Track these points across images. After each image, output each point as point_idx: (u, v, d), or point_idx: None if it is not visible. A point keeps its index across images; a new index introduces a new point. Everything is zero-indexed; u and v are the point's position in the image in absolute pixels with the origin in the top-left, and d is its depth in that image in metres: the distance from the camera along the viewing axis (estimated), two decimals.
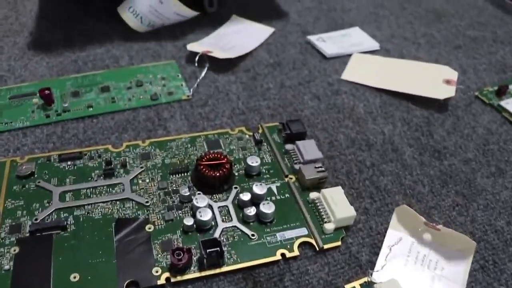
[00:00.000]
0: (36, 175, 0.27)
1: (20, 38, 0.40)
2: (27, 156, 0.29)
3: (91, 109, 0.33)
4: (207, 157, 0.27)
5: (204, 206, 0.25)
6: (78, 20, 0.42)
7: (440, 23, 0.48)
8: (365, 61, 0.40)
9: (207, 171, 0.26)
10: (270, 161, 0.29)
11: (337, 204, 0.25)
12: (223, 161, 0.27)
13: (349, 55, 0.41)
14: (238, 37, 0.41)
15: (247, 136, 0.31)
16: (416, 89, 0.36)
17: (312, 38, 0.42)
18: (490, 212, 0.28)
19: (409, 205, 0.27)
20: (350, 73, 0.38)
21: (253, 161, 0.28)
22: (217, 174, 0.26)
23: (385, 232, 0.26)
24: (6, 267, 0.23)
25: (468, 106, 0.37)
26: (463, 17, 0.49)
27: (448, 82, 0.37)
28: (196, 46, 0.38)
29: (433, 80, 0.37)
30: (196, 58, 0.37)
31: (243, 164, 0.29)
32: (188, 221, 0.24)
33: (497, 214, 0.28)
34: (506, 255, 0.26)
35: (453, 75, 0.38)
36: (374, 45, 0.43)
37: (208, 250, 0.22)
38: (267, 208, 0.25)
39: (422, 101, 0.36)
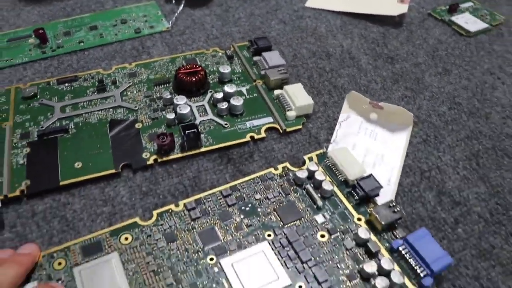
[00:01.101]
0: (38, 96, 0.32)
1: None
2: (29, 83, 0.33)
3: (82, 44, 0.37)
4: (185, 68, 0.31)
5: (184, 103, 0.29)
6: None
7: None
8: None
9: (184, 77, 0.30)
10: (240, 71, 0.33)
11: (297, 97, 0.30)
12: (198, 69, 0.31)
13: None
14: None
15: (220, 53, 0.35)
16: (373, 9, 0.40)
17: None
18: (435, 101, 0.33)
19: (363, 94, 0.32)
20: (314, 1, 0.42)
21: (224, 69, 0.32)
22: (193, 79, 0.30)
23: (335, 119, 0.31)
24: (21, 161, 0.27)
25: (422, 22, 0.41)
26: None
27: (402, 1, 0.41)
28: None
29: (388, 0, 0.41)
30: None
31: (216, 75, 0.33)
32: (170, 116, 0.29)
33: (440, 102, 0.33)
34: (446, 131, 0.30)
35: None
36: None
37: (186, 132, 0.27)
38: (237, 101, 0.29)
39: (379, 19, 0.40)
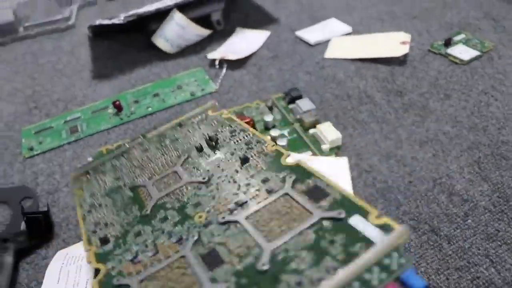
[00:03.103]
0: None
1: (84, 74, 0.54)
2: (115, 144, 0.42)
3: (150, 109, 0.46)
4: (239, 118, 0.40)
5: None
6: (123, 53, 0.57)
7: (400, 2, 0.60)
8: (341, 42, 0.53)
9: None
10: (280, 117, 0.42)
11: (328, 133, 0.38)
12: (248, 120, 0.40)
13: (329, 40, 0.53)
14: (244, 42, 0.54)
15: (262, 105, 0.44)
16: (380, 53, 0.49)
17: (299, 32, 0.55)
18: (439, 122, 0.40)
19: (382, 128, 0.40)
20: (331, 52, 0.51)
21: (268, 117, 0.41)
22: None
23: (359, 147, 0.38)
24: None
25: (423, 58, 0.49)
26: None
27: (403, 43, 0.49)
28: (214, 54, 0.52)
29: (392, 44, 0.50)
30: (217, 62, 0.50)
31: (262, 123, 0.42)
32: None
33: (444, 123, 0.40)
34: (451, 145, 0.38)
35: (407, 37, 0.50)
36: (348, 29, 0.55)
37: None
38: (281, 141, 0.38)
39: (386, 61, 0.48)
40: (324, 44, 0.53)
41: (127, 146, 0.36)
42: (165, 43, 0.54)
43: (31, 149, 0.43)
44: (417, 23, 0.55)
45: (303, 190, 0.25)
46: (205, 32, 0.55)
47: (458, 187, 0.34)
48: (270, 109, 0.43)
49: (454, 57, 0.48)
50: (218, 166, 0.30)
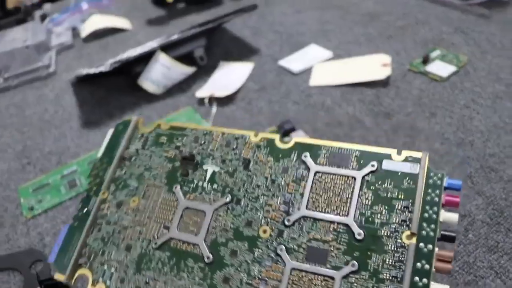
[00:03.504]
0: None
1: (73, 123, 0.54)
2: None
3: None
4: None
5: None
6: (109, 98, 0.57)
7: (374, 22, 0.63)
8: (323, 68, 0.55)
9: None
10: None
11: None
12: None
13: (311, 67, 0.55)
14: (229, 76, 0.56)
15: None
16: (363, 77, 0.50)
17: (282, 62, 0.57)
18: (429, 141, 0.42)
19: None
20: (315, 80, 0.53)
21: None
22: None
23: None
24: None
25: (404, 77, 0.51)
26: (392, 13, 0.64)
27: (384, 65, 0.51)
28: (202, 92, 0.53)
29: (373, 66, 0.52)
30: (206, 100, 0.51)
31: None
32: None
33: (433, 141, 0.42)
34: (442, 163, 0.40)
35: (387, 59, 0.52)
36: (328, 54, 0.57)
37: None
38: None
39: (370, 84, 0.50)
40: (307, 71, 0.55)
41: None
42: (152, 85, 0.54)
43: (32, 208, 0.42)
44: (393, 43, 0.57)
45: (326, 163, 0.26)
46: (190, 70, 0.56)
47: None
48: None
49: (434, 74, 0.50)
50: (224, 180, 0.28)
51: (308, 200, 0.25)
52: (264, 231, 0.25)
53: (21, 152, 0.51)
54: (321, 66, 0.55)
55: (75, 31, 0.75)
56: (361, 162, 0.26)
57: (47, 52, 0.68)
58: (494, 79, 0.48)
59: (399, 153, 0.25)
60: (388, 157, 0.25)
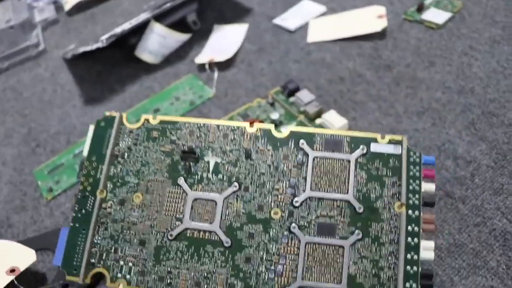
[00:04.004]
0: None
1: (75, 101, 0.54)
2: None
3: None
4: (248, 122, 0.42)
5: None
6: (108, 72, 0.57)
7: None
8: (320, 23, 0.54)
9: None
10: (283, 112, 0.44)
11: (334, 120, 0.40)
12: (257, 120, 0.42)
13: (307, 23, 0.55)
14: (226, 39, 0.55)
15: (263, 103, 0.46)
16: (360, 30, 0.51)
17: (276, 20, 0.57)
18: (430, 91, 0.43)
19: (380, 106, 0.43)
20: (313, 36, 0.53)
21: (274, 115, 0.43)
22: None
23: (365, 129, 0.41)
24: None
25: (400, 27, 0.51)
26: None
27: (380, 16, 0.52)
28: (201, 58, 0.53)
29: (369, 19, 0.52)
30: (206, 66, 0.51)
31: (269, 121, 0.44)
32: None
33: (434, 90, 0.43)
34: (445, 112, 0.41)
35: (382, 10, 0.52)
36: (322, 8, 0.57)
37: None
38: None
39: (367, 36, 0.51)
40: (303, 28, 0.55)
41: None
42: (149, 55, 0.54)
43: (51, 190, 0.43)
44: None
45: (322, 148, 0.29)
46: (185, 36, 0.55)
47: (460, 150, 0.38)
48: (272, 105, 0.45)
49: (430, 22, 0.50)
50: (228, 170, 0.30)
51: (311, 182, 0.29)
52: (276, 213, 0.29)
53: (28, 136, 0.51)
54: (317, 21, 0.55)
55: (57, 4, 0.73)
56: (352, 146, 0.29)
57: (33, 30, 0.66)
58: (490, 22, 0.49)
59: (383, 137, 0.29)
60: (374, 140, 0.29)
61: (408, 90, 0.44)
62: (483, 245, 0.32)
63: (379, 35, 0.51)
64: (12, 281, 0.33)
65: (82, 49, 0.50)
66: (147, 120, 0.32)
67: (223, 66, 0.52)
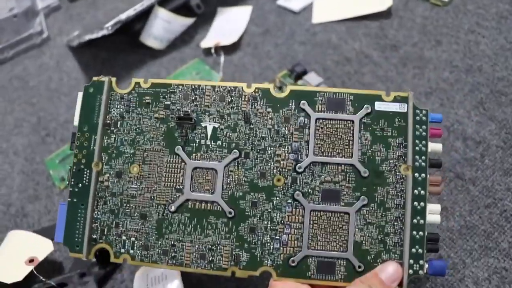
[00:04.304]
0: None
1: (82, 88, 0.54)
2: None
3: None
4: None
5: None
6: (113, 59, 0.56)
7: None
8: (324, 3, 0.54)
9: None
10: None
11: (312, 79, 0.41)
12: None
13: (311, 3, 0.55)
14: (230, 23, 0.55)
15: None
16: (365, 9, 0.50)
17: (280, 1, 0.56)
18: (438, 70, 0.43)
19: (388, 87, 0.43)
20: (318, 17, 0.53)
21: None
22: None
23: None
24: None
25: (405, 5, 0.51)
26: None
27: None
28: (207, 42, 0.53)
29: None
30: (213, 51, 0.51)
31: None
32: None
33: (442, 70, 0.43)
34: (453, 91, 0.41)
35: None
36: None
37: None
38: None
39: (373, 16, 0.50)
40: (307, 8, 0.54)
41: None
42: (155, 41, 0.54)
43: (63, 179, 0.44)
44: None
45: (324, 109, 0.28)
46: (190, 20, 0.55)
47: (469, 131, 0.38)
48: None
49: None
50: (227, 135, 0.28)
51: (314, 146, 0.27)
52: (278, 180, 0.27)
53: (37, 125, 0.51)
54: (321, 1, 0.54)
55: None
56: (356, 105, 0.27)
57: (36, 18, 0.66)
58: None
59: (387, 94, 0.27)
60: (379, 98, 0.27)
61: (415, 70, 0.44)
62: (494, 226, 0.33)
63: (385, 14, 0.50)
64: (31, 271, 0.34)
65: (88, 37, 0.50)
66: (138, 84, 0.29)
67: (229, 49, 0.52)
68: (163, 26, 0.53)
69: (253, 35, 0.53)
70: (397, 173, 0.26)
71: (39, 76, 0.58)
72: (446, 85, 0.42)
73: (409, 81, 0.43)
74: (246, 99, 0.28)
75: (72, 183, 0.29)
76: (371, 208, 0.26)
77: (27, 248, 0.36)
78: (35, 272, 0.34)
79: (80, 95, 0.30)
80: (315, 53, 0.48)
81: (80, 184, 0.29)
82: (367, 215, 0.26)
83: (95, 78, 0.30)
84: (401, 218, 0.26)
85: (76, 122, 0.30)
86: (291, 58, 0.49)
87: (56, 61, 0.59)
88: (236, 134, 0.28)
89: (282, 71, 0.47)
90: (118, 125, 0.29)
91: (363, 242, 0.26)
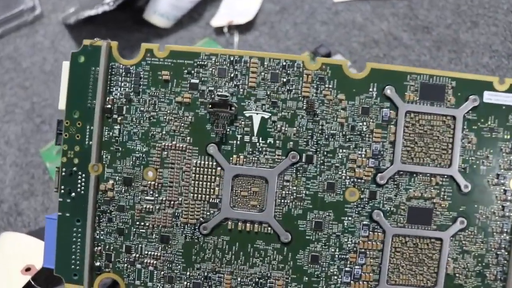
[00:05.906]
0: None
1: None
2: None
3: None
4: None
5: None
6: (115, 38, 0.51)
7: None
8: None
9: None
10: None
11: None
12: None
13: None
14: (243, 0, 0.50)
15: None
16: None
17: None
18: (476, 55, 0.40)
19: None
20: None
21: None
22: None
23: None
24: None
25: None
26: None
27: None
28: (218, 20, 0.48)
29: None
30: (225, 30, 0.47)
31: None
32: None
33: (480, 54, 0.39)
34: None
35: None
36: None
37: None
38: None
39: None
40: None
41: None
42: (161, 18, 0.49)
43: None
44: None
45: (416, 99, 0.21)
46: None
47: None
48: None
49: None
50: (281, 131, 0.21)
51: (402, 150, 0.21)
52: (352, 194, 0.21)
53: (31, 111, 0.47)
54: None
55: None
56: (459, 94, 0.21)
57: None
58: None
59: (501, 81, 0.21)
60: (489, 86, 0.21)
61: (451, 54, 0.40)
62: None
63: None
64: (28, 281, 0.30)
65: (86, 14, 0.46)
66: (151, 52, 0.21)
67: (243, 28, 0.47)
68: (170, 1, 0.48)
69: (269, 13, 0.49)
70: (506, 188, 0.21)
71: (32, 57, 0.53)
72: (486, 71, 0.38)
73: (444, 66, 0.39)
74: (309, 80, 0.21)
75: (62, 191, 0.22)
76: (469, 233, 0.21)
77: (23, 254, 0.32)
78: (33, 283, 0.30)
79: (66, 65, 0.22)
80: (339, 34, 0.44)
81: (74, 193, 0.22)
82: (463, 241, 0.21)
83: (87, 42, 0.22)
84: (506, 247, 0.21)
85: (61, 105, 0.22)
86: (313, 39, 0.45)
87: (50, 40, 0.54)
88: (295, 129, 0.21)
89: (303, 54, 0.43)
90: (124, 112, 0.22)
91: (457, 275, 0.21)
